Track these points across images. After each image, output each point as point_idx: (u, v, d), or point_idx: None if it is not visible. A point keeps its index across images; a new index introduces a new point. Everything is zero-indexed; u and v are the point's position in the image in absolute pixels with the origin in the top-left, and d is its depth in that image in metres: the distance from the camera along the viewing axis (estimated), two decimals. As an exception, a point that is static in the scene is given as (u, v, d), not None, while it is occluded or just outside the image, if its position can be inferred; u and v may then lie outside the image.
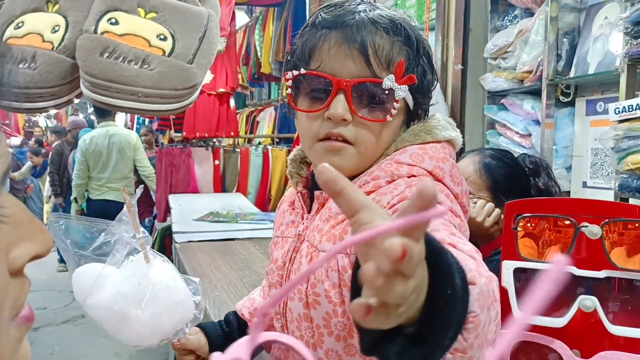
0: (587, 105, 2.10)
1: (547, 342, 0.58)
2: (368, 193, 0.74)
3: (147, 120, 7.59)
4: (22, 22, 0.48)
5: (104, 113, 4.76)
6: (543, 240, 0.61)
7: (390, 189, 0.72)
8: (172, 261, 4.02)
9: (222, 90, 4.33)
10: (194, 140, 4.56)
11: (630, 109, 1.62)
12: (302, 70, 0.76)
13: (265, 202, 4.63)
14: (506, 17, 2.42)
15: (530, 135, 2.25)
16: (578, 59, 2.05)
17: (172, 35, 0.48)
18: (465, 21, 2.56)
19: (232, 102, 4.51)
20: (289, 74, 0.77)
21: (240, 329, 0.97)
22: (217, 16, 0.75)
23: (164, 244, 4.54)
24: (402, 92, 0.74)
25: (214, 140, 4.72)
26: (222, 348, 1.01)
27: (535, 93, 2.26)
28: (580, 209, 0.57)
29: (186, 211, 3.56)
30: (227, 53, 4.27)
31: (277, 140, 4.99)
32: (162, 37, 0.48)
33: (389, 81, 0.73)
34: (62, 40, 0.47)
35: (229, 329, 0.98)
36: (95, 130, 4.87)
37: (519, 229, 0.59)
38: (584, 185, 2.10)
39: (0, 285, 0.32)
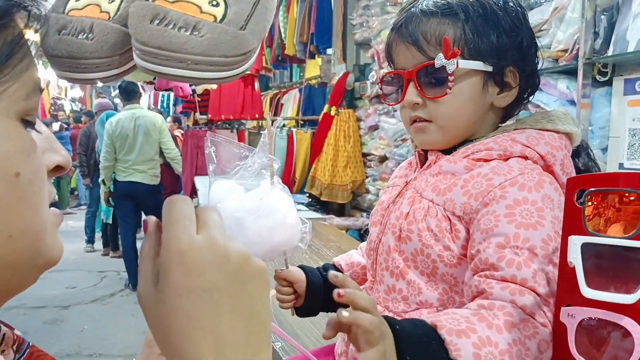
0: (625, 84, 2.05)
1: (615, 319, 0.57)
2: (478, 160, 0.82)
3: (171, 103, 7.64)
4: None
5: (130, 96, 4.79)
6: (607, 216, 0.60)
7: (504, 171, 0.78)
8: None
9: (247, 72, 4.33)
10: (219, 122, 4.58)
11: (674, 88, 1.58)
12: (382, 72, 0.91)
13: (289, 183, 4.64)
14: (541, -6, 2.36)
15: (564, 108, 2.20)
16: (617, 36, 1.99)
17: (225, 1, 0.47)
18: (497, -1, 2.50)
19: (256, 85, 4.51)
20: (375, 77, 0.94)
21: None
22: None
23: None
24: (452, 65, 0.81)
25: (239, 122, 4.73)
26: (318, 287, 1.06)
27: (570, 72, 2.21)
28: (650, 184, 0.55)
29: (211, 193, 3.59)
30: (252, 35, 4.25)
31: (302, 122, 4.99)
32: (214, 3, 0.47)
33: (438, 60, 0.81)
34: (118, 9, 0.47)
35: (326, 273, 1.03)
36: (121, 113, 4.91)
37: (587, 203, 0.58)
38: (621, 166, 2.06)
39: (41, 172, 0.43)
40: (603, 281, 0.57)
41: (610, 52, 2.00)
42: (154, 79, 3.14)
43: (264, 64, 4.81)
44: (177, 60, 0.45)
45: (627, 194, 0.55)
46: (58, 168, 0.47)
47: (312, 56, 4.65)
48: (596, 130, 2.10)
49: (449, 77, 0.82)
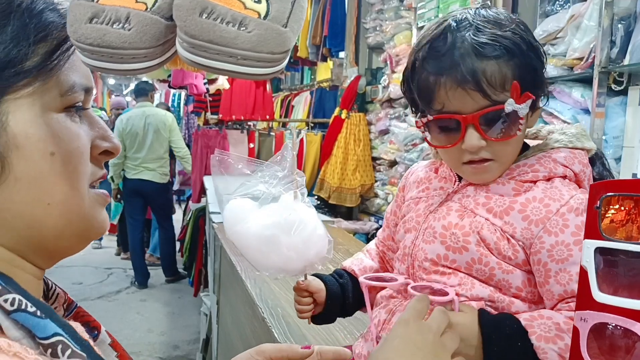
0: (641, 94, 2.03)
1: (628, 324, 0.56)
2: (525, 182, 0.85)
3: (182, 102, 7.66)
4: None
5: (141, 93, 4.81)
6: (624, 222, 0.59)
7: (557, 195, 0.83)
8: (206, 242, 4.07)
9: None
10: (230, 122, 4.59)
11: (691, 98, 1.56)
12: (430, 117, 0.86)
13: (298, 186, 4.64)
14: (557, 2, 2.34)
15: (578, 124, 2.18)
16: (634, 46, 1.98)
17: (267, -1, 0.48)
18: (513, 6, 2.50)
19: (268, 86, 4.52)
20: (419, 122, 0.89)
21: (352, 282, 1.06)
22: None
23: (198, 225, 4.60)
24: (524, 109, 0.82)
25: (250, 123, 4.73)
26: (337, 295, 1.06)
27: (585, 81, 2.19)
28: (669, 189, 0.55)
29: (221, 193, 3.59)
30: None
31: (312, 125, 4.99)
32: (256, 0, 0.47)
33: (509, 106, 0.81)
34: (156, 1, 0.47)
35: (343, 280, 1.06)
36: (131, 111, 4.93)
37: (603, 208, 0.57)
38: (634, 177, 2.04)
39: (78, 154, 0.53)
40: (617, 286, 0.56)
41: (626, 61, 1.98)
42: (168, 76, 3.15)
43: (276, 66, 4.81)
44: (227, 55, 0.46)
45: (645, 199, 0.54)
46: (107, 152, 0.58)
47: (324, 59, 4.65)
48: (610, 139, 2.09)
49: (520, 121, 0.83)
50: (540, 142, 0.92)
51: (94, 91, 0.58)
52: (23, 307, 0.45)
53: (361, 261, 1.10)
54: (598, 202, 0.58)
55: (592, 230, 0.58)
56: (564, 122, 2.25)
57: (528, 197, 0.84)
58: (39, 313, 0.45)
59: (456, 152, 0.87)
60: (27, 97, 0.49)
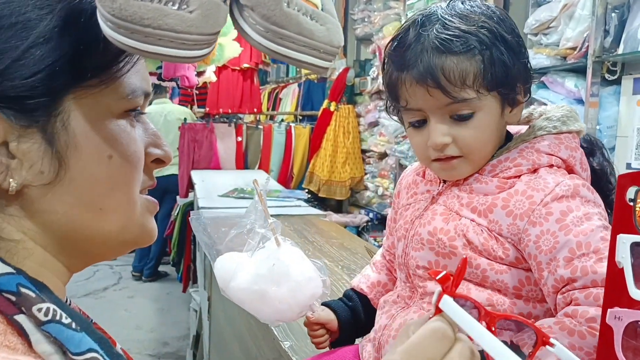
0: (635, 83, 2.02)
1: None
2: (509, 178, 0.82)
3: (168, 95, 7.56)
4: None
5: (159, 90, 4.72)
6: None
7: (540, 185, 0.79)
8: (195, 237, 4.03)
9: (246, 65, 4.28)
10: (217, 116, 4.53)
11: (688, 87, 1.55)
12: (397, 106, 0.87)
13: (287, 180, 4.61)
14: (549, -9, 2.33)
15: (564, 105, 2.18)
16: (627, 35, 1.97)
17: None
18: (505, -5, 2.48)
19: (255, 79, 4.46)
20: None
21: (362, 302, 1.05)
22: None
23: (186, 220, 4.54)
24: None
25: (237, 116, 4.68)
26: (349, 320, 1.01)
27: (578, 71, 2.18)
28: None
29: (209, 187, 3.54)
30: (252, 28, 4.20)
31: (300, 117, 4.95)
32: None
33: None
34: None
35: (352, 303, 1.04)
36: (150, 107, 4.84)
37: (638, 201, 0.54)
38: (628, 167, 2.04)
39: (134, 160, 0.51)
40: (653, 283, 0.54)
41: (620, 51, 1.97)
42: (158, 68, 3.10)
43: (262, 58, 4.77)
44: (311, 47, 0.45)
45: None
46: (159, 161, 0.56)
47: (312, 51, 4.60)
48: (604, 129, 2.08)
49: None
50: (525, 130, 0.88)
51: (151, 96, 0.56)
52: (58, 317, 0.42)
53: (368, 277, 1.07)
54: (632, 194, 0.55)
55: (625, 224, 0.56)
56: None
57: (510, 191, 0.81)
58: (74, 325, 0.42)
59: (424, 148, 0.85)
60: (91, 98, 0.48)
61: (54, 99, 0.46)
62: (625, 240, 0.54)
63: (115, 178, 0.50)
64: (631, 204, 0.55)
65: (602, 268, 0.70)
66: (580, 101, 2.15)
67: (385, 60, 0.87)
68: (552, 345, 0.44)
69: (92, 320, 0.56)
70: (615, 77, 2.05)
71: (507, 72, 0.81)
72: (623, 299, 0.55)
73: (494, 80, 0.80)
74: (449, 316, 0.44)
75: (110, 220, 0.50)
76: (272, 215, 0.95)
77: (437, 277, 0.46)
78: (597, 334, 0.66)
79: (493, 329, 0.45)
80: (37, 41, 0.44)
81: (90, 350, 0.42)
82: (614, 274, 0.56)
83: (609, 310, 0.56)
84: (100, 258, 0.54)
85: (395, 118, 0.94)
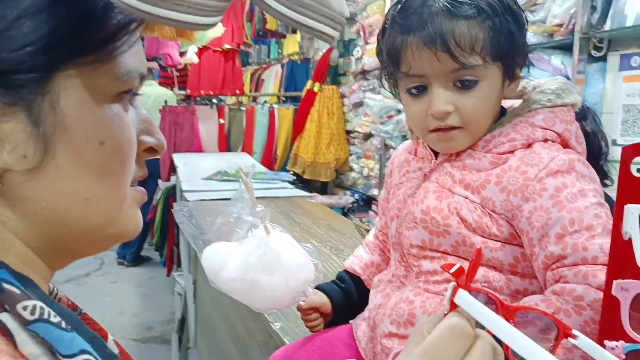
0: (621, 59, 2.02)
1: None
2: (503, 153, 0.80)
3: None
4: None
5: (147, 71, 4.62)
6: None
7: (534, 160, 0.77)
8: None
9: (227, 46, 4.20)
10: (198, 98, 4.45)
11: (674, 62, 1.55)
12: (396, 73, 0.84)
13: (271, 161, 4.57)
14: (535, -33, 2.31)
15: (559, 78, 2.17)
16: (614, 11, 1.96)
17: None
18: (490, -28, 2.45)
19: (237, 60, 4.39)
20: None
21: (355, 284, 1.04)
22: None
23: (169, 204, 4.49)
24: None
25: (219, 98, 4.61)
26: (343, 302, 0.99)
27: (564, 48, 2.17)
28: None
29: (192, 170, 3.49)
30: (233, 8, 4.13)
31: (284, 99, 4.89)
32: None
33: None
34: None
35: (345, 285, 1.03)
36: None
37: (644, 171, 0.52)
38: (614, 143, 2.04)
39: (127, 148, 0.47)
40: (662, 253, 0.52)
41: (607, 27, 1.96)
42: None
43: (244, 39, 4.69)
44: (328, 17, 0.44)
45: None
46: (152, 150, 0.51)
47: (294, 31, 4.54)
48: (590, 106, 2.08)
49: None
50: (519, 104, 0.87)
51: (146, 79, 0.51)
52: (45, 316, 0.38)
53: (361, 259, 1.06)
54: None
55: (632, 195, 0.54)
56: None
57: (504, 167, 0.79)
58: (63, 324, 0.38)
59: (423, 118, 0.82)
60: (84, 77, 0.43)
61: (43, 76, 0.41)
62: (634, 211, 0.53)
63: (106, 167, 0.45)
64: (639, 174, 0.53)
65: (594, 245, 0.69)
66: (566, 78, 2.14)
67: (387, 24, 0.84)
68: (574, 337, 0.42)
69: (80, 311, 0.53)
70: (602, 53, 2.04)
71: (513, 42, 0.79)
72: (629, 270, 0.53)
73: (501, 49, 0.78)
74: (465, 311, 0.42)
75: (97, 212, 0.46)
76: (257, 198, 0.93)
77: (451, 271, 0.43)
78: (583, 312, 0.67)
79: (511, 322, 0.42)
80: (27, 11, 0.40)
81: (82, 351, 0.38)
82: (620, 245, 0.54)
83: (614, 281, 0.55)
84: (82, 254, 0.49)
85: (388, 89, 0.91)
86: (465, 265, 0.79)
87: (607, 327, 0.56)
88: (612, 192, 0.82)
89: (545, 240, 0.73)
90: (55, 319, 0.38)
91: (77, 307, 0.53)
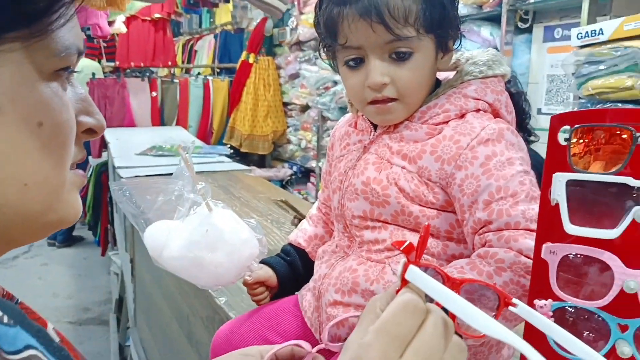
0: (545, 31, 2.11)
1: (596, 254, 0.57)
2: (438, 124, 0.83)
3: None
4: None
5: None
6: (590, 155, 0.59)
7: (467, 130, 0.81)
8: (111, 198, 3.85)
9: (157, 15, 4.04)
10: (128, 70, 4.27)
11: (593, 34, 1.63)
12: (334, 45, 0.85)
13: (207, 135, 4.48)
14: (465, -61, 2.35)
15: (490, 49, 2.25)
16: (539, -17, 2.04)
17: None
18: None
19: (168, 30, 4.23)
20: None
21: (300, 256, 1.05)
22: None
23: (100, 181, 4.33)
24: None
25: (150, 70, 4.44)
26: (288, 275, 0.99)
27: (493, 19, 2.25)
28: (634, 118, 0.55)
29: (125, 146, 3.37)
30: (161, -26, 3.95)
31: (218, 70, 4.78)
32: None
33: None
34: None
35: (290, 258, 1.04)
36: None
37: (572, 140, 0.56)
38: (539, 112, 2.15)
39: (67, 129, 0.44)
40: (585, 218, 0.57)
41: (532, -1, 2.05)
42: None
43: (175, 8, 4.52)
44: None
45: (617, 131, 0.54)
46: (91, 131, 0.49)
47: (228, 0, 4.42)
48: (517, 76, 2.17)
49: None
50: (452, 76, 0.89)
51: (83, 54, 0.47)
52: None
53: (305, 231, 1.08)
54: (567, 134, 0.57)
55: (559, 163, 0.58)
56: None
57: (439, 137, 0.83)
58: (6, 319, 0.36)
59: (360, 90, 0.84)
60: (18, 52, 0.40)
61: None
62: (561, 179, 0.56)
63: (45, 149, 0.42)
64: (565, 143, 0.57)
65: (517, 211, 0.74)
66: (495, 49, 2.22)
67: None
68: (514, 305, 0.44)
69: (17, 300, 0.50)
70: (527, 25, 2.13)
71: (445, 14, 0.82)
72: (556, 234, 0.57)
73: (433, 21, 0.80)
74: (416, 287, 0.42)
75: (35, 198, 0.43)
76: (198, 172, 0.91)
77: (401, 248, 0.43)
78: (503, 273, 0.72)
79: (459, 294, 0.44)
80: None
81: (27, 347, 0.36)
82: (548, 211, 0.58)
83: (543, 245, 0.58)
84: (19, 243, 0.46)
85: (327, 62, 0.92)
86: (409, 236, 0.83)
87: (537, 287, 0.60)
88: (538, 148, 0.89)
89: (474, 206, 0.78)
90: None
91: (13, 297, 0.50)
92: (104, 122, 0.50)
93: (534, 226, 0.71)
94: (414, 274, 0.42)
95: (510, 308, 0.45)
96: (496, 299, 0.46)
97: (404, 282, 0.43)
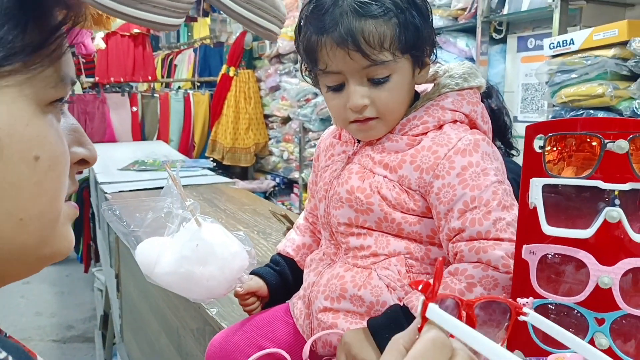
0: (519, 41, 2.18)
1: (572, 252, 0.60)
2: (416, 135, 0.87)
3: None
4: None
5: None
6: (563, 161, 0.63)
7: (444, 141, 0.84)
8: (93, 214, 3.80)
9: (136, 31, 4.04)
10: (108, 85, 4.27)
11: (565, 44, 1.70)
12: (314, 70, 0.89)
13: (188, 148, 4.48)
14: (439, -46, 2.42)
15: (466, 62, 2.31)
16: (511, -4, 2.11)
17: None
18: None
19: (147, 45, 4.24)
20: (305, 73, 0.93)
21: (289, 265, 1.07)
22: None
23: (82, 197, 4.29)
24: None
25: (130, 85, 4.44)
26: (278, 284, 1.03)
27: (468, 31, 2.31)
28: (602, 127, 0.59)
29: (107, 161, 3.36)
30: (140, -10, 3.96)
31: (198, 84, 4.79)
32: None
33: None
34: None
35: (279, 267, 1.07)
36: None
37: (547, 148, 0.60)
38: (515, 119, 2.21)
39: (62, 161, 0.43)
40: (561, 219, 0.61)
41: (505, 11, 2.11)
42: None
43: (153, 23, 4.52)
44: (277, 18, 0.47)
45: (588, 139, 0.58)
46: (83, 162, 0.49)
47: (206, 14, 4.45)
48: (498, 90, 2.24)
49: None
50: (430, 88, 0.93)
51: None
52: None
53: (293, 241, 1.11)
54: (542, 142, 0.61)
55: (535, 169, 0.62)
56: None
57: (418, 147, 0.86)
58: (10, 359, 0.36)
59: (343, 111, 0.88)
60: (15, 86, 0.39)
61: None
62: (537, 183, 0.60)
63: (41, 184, 0.42)
64: (540, 150, 0.61)
65: (488, 220, 0.78)
66: (471, 59, 2.28)
67: (302, 23, 0.88)
68: (525, 314, 0.47)
69: (6, 334, 0.47)
70: (502, 36, 2.20)
71: (419, 35, 0.85)
72: (535, 236, 0.61)
73: (408, 43, 0.84)
74: (436, 324, 0.43)
75: (30, 232, 0.42)
76: (183, 186, 0.94)
77: (419, 288, 0.44)
78: (474, 289, 0.77)
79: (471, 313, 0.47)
80: None
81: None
82: (527, 214, 0.62)
83: (524, 246, 0.62)
84: (13, 278, 0.45)
85: (309, 81, 0.95)
86: (392, 242, 0.86)
87: (519, 286, 0.64)
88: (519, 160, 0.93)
89: (450, 215, 0.82)
90: (1, 354, 0.36)
91: (1, 330, 0.46)
92: (96, 153, 0.50)
93: (504, 235, 0.76)
94: (434, 312, 0.43)
95: (521, 317, 0.47)
96: (507, 310, 0.49)
97: (424, 320, 0.44)
